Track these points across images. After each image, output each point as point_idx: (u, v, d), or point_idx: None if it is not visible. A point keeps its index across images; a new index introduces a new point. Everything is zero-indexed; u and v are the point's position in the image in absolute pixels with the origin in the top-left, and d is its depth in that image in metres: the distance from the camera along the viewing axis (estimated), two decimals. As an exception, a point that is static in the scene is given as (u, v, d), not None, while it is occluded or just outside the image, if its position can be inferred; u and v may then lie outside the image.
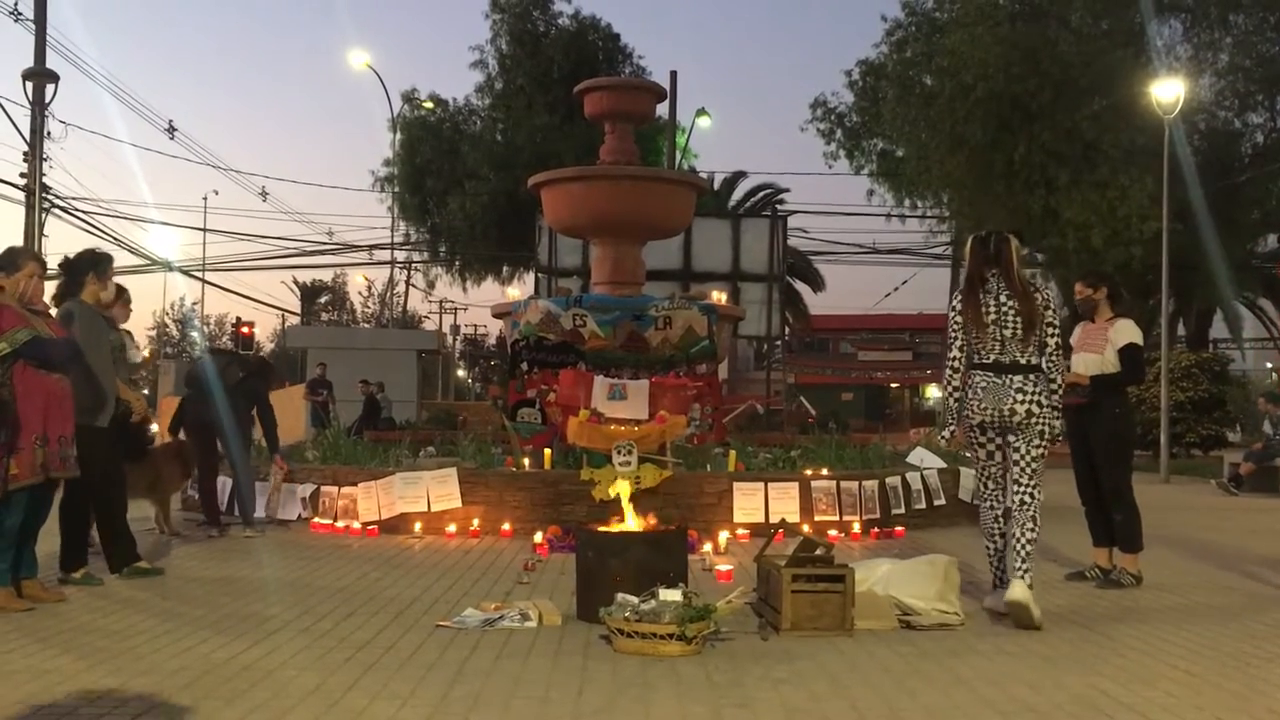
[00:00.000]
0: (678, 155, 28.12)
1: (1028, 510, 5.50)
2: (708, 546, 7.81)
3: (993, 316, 5.57)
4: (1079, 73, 22.97)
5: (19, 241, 19.52)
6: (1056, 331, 5.68)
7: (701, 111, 30.09)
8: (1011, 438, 5.60)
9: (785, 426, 20.64)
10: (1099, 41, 23.83)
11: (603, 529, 5.74)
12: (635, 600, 4.75)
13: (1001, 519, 5.70)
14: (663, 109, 20.95)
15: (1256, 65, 24.95)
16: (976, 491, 5.85)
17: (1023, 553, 5.42)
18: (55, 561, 6.25)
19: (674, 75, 24.79)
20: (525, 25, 31.16)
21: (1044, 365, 5.63)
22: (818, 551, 5.33)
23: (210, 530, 8.83)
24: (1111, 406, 6.69)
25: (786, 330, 31.35)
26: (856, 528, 9.04)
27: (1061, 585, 6.68)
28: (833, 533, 8.54)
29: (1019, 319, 5.54)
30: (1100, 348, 6.72)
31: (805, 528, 8.21)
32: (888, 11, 32.62)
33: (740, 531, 8.55)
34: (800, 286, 38.24)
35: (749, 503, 8.85)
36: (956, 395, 5.70)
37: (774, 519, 8.24)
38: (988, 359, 5.61)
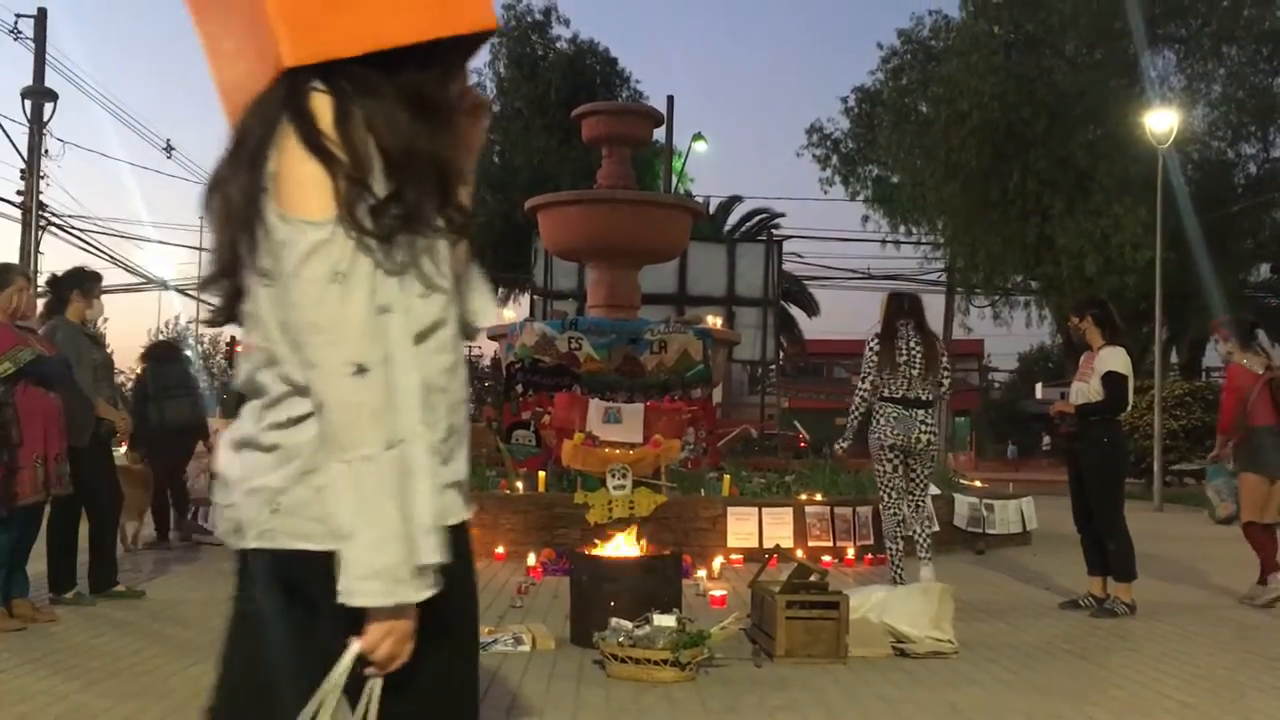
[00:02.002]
0: (674, 180, 28.22)
1: (924, 511, 7.02)
2: (702, 572, 7.79)
3: (904, 357, 6.76)
4: (1073, 102, 23.14)
5: (15, 259, 19.54)
6: (949, 374, 7.07)
7: (698, 136, 30.19)
8: (912, 461, 6.85)
9: (780, 451, 20.65)
10: (1093, 71, 24.02)
11: (597, 553, 5.73)
12: (629, 625, 4.73)
13: (902, 524, 6.85)
14: (660, 133, 21.04)
15: (1249, 96, 25.17)
16: (881, 501, 6.99)
17: (927, 543, 6.92)
18: (46, 582, 6.22)
19: (671, 100, 24.90)
20: (524, 49, 31.34)
21: (935, 400, 6.91)
22: (812, 578, 5.32)
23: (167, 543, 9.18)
24: (1100, 436, 6.69)
25: (781, 355, 31.42)
26: (851, 553, 9.02)
27: (1056, 614, 6.68)
28: (827, 558, 8.52)
29: (923, 360, 6.76)
30: (1088, 376, 6.76)
31: (799, 553, 8.20)
32: (884, 39, 32.86)
33: (734, 557, 8.52)
34: (795, 311, 38.34)
35: (743, 528, 8.83)
36: (859, 419, 6.93)
37: (768, 544, 8.23)
38: (897, 394, 6.77)
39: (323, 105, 1.41)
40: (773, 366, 29.11)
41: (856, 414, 6.95)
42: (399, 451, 1.38)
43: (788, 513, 9.03)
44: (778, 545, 7.93)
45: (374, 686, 1.41)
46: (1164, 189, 18.92)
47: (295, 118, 1.41)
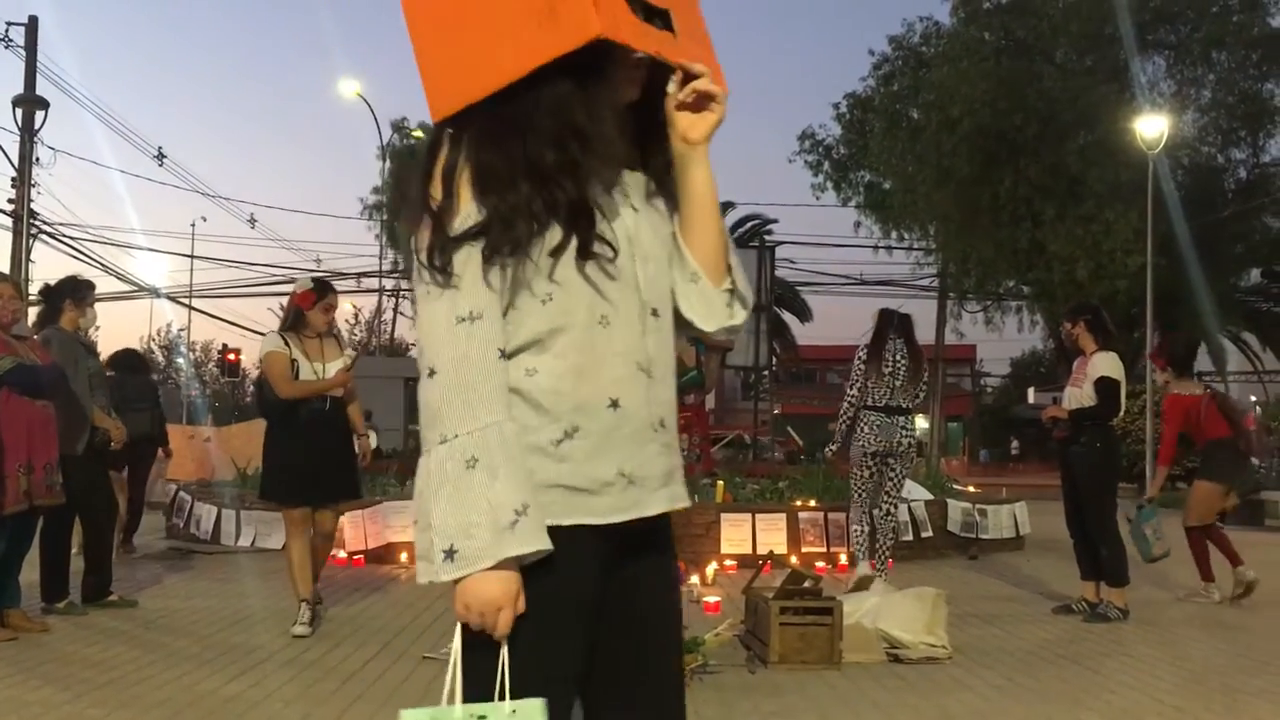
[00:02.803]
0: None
1: (892, 519, 7.65)
2: (695, 578, 7.79)
3: (890, 369, 7.37)
4: (1064, 108, 23.19)
5: (6, 268, 19.50)
6: (926, 387, 7.78)
7: (691, 142, 30.15)
8: (893, 460, 7.47)
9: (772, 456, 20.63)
10: (1083, 78, 24.07)
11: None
12: (623, 632, 4.72)
13: (867, 515, 7.56)
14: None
15: (1239, 101, 25.24)
16: (852, 499, 7.63)
17: (889, 545, 7.56)
18: (38, 591, 6.20)
19: (663, 106, 24.88)
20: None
21: (914, 408, 7.57)
22: (806, 584, 5.32)
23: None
24: (1092, 441, 6.72)
25: (774, 361, 31.42)
26: (844, 559, 9.02)
27: (1049, 619, 6.69)
28: (820, 564, 8.53)
29: (907, 372, 7.39)
30: (1081, 381, 6.78)
31: (793, 559, 8.21)
32: (875, 46, 32.95)
33: (728, 563, 8.53)
34: (787, 317, 38.39)
35: (737, 534, 8.84)
36: (848, 424, 7.45)
37: (762, 550, 8.24)
38: (880, 402, 7.37)
39: (439, 155, 1.60)
40: (765, 372, 29.10)
41: (845, 419, 7.51)
42: (449, 447, 1.50)
43: (781, 519, 9.03)
44: (771, 551, 7.94)
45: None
46: (1154, 194, 18.98)
47: (420, 172, 1.62)
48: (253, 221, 48.63)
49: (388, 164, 31.83)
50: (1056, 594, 7.49)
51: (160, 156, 28.80)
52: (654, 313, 1.66)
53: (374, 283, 35.70)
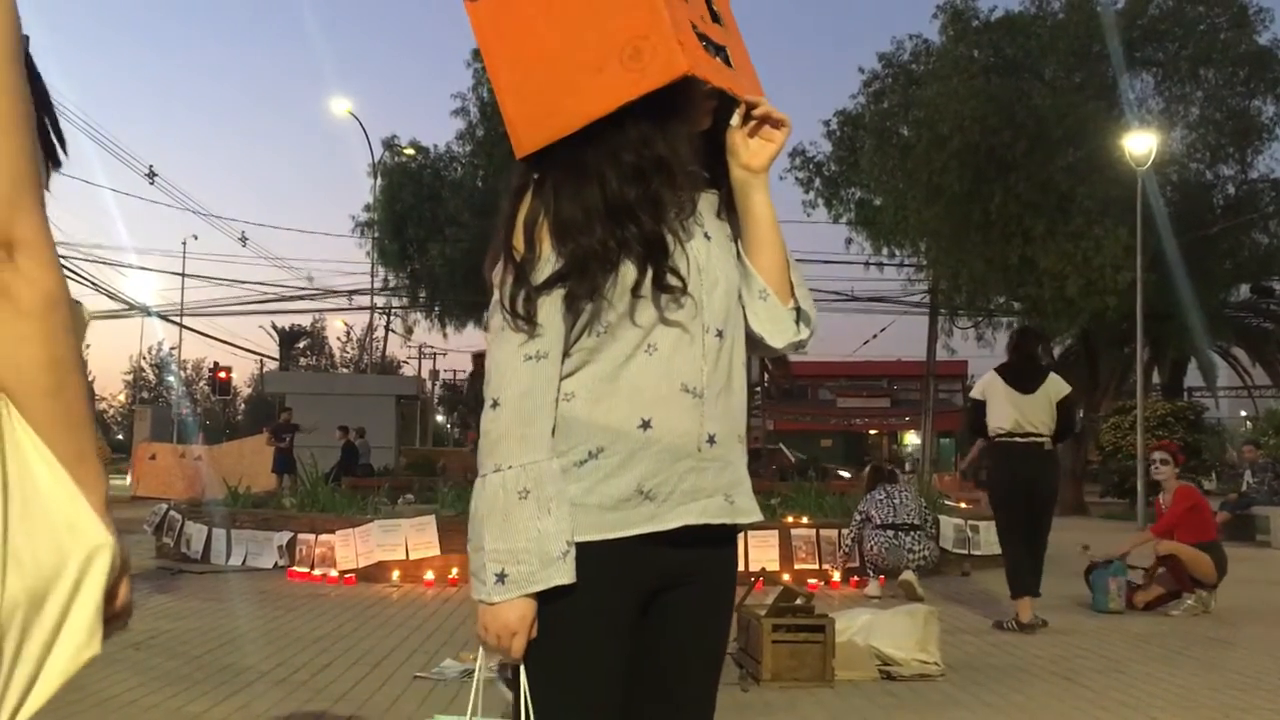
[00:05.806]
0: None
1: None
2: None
3: (884, 495, 8.46)
4: (1053, 125, 23.29)
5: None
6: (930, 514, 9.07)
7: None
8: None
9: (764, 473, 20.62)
10: (1072, 95, 24.19)
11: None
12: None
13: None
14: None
15: (1226, 118, 25.38)
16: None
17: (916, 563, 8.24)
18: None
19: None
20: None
21: (925, 522, 8.55)
22: (798, 601, 5.32)
23: None
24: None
25: (766, 377, 31.44)
26: (836, 576, 9.01)
27: (1043, 635, 6.66)
28: (813, 581, 8.52)
29: (904, 494, 8.56)
30: None
31: (785, 576, 8.20)
32: (865, 63, 33.05)
33: (720, 580, 8.51)
34: (779, 333, 38.36)
35: (729, 551, 8.82)
36: (854, 540, 8.69)
37: (754, 568, 8.22)
38: (886, 520, 8.30)
39: (521, 203, 1.64)
40: (757, 389, 29.12)
41: (848, 542, 8.75)
42: (503, 476, 1.58)
43: (773, 536, 9.02)
44: (763, 569, 7.92)
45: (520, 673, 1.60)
46: (1144, 211, 19.06)
47: (504, 216, 1.67)
48: (244, 239, 48.52)
49: (379, 181, 31.83)
50: (1046, 610, 7.47)
51: (151, 175, 28.83)
52: (718, 334, 1.69)
53: (365, 300, 35.71)
